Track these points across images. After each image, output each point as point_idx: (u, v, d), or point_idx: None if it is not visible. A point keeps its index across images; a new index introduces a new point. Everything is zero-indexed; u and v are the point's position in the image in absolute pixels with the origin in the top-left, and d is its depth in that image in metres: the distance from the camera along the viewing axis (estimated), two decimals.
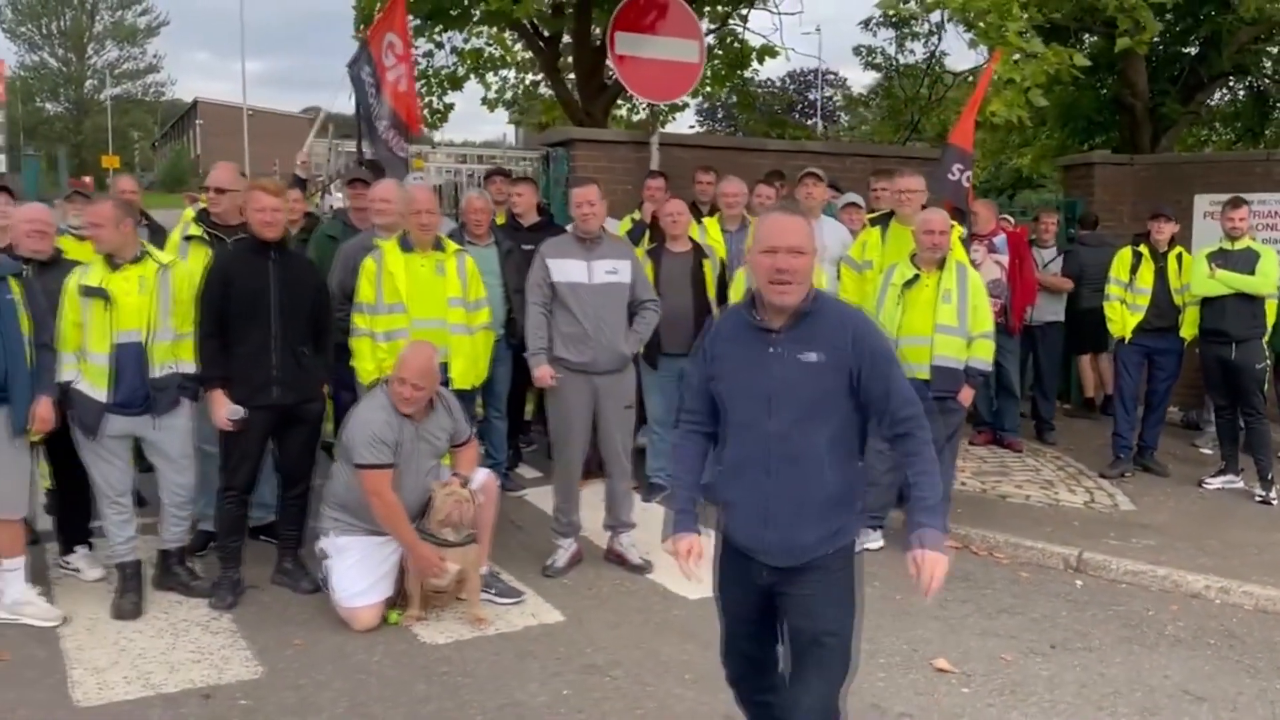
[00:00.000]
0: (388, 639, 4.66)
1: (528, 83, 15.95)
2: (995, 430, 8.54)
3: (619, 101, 13.69)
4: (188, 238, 5.47)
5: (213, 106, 70.74)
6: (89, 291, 4.67)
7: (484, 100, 15.40)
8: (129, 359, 4.73)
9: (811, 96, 34.01)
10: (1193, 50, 13.20)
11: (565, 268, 5.43)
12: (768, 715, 3.29)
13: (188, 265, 5.12)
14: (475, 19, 11.96)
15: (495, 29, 12.85)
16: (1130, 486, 7.34)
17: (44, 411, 4.58)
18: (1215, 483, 7.39)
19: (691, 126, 29.57)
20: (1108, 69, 12.60)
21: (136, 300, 4.73)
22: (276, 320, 4.93)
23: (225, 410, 4.88)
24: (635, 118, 15.55)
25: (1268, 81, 14.70)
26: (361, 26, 12.80)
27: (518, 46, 14.36)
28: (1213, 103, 15.43)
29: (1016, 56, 8.10)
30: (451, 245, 5.56)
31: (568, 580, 5.47)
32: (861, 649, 4.69)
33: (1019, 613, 5.22)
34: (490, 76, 14.62)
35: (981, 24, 7.99)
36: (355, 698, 4.11)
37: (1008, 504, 6.86)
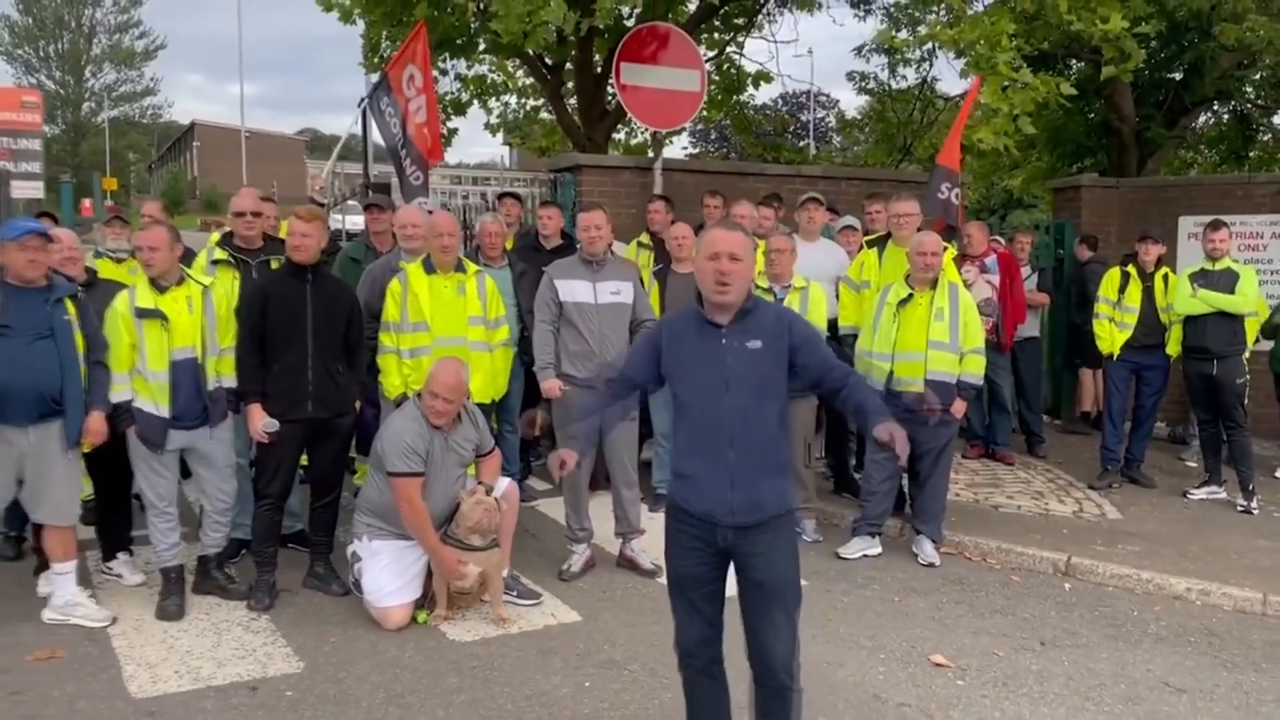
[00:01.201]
0: (418, 637, 4.95)
1: (528, 108, 16.36)
2: (987, 444, 8.85)
3: (618, 126, 14.06)
4: (215, 261, 5.77)
5: (209, 128, 71.20)
6: (145, 313, 4.97)
7: (486, 125, 15.82)
8: (185, 375, 5.05)
9: (804, 118, 34.41)
10: (1177, 76, 13.57)
11: (572, 288, 5.77)
12: (724, 699, 3.61)
13: (223, 285, 5.43)
14: (481, 48, 12.29)
15: (498, 57, 13.22)
16: (1118, 497, 7.65)
17: (97, 425, 4.88)
18: (1199, 493, 7.70)
19: (684, 148, 29.94)
20: (1095, 94, 12.98)
21: (188, 319, 5.05)
22: (312, 339, 5.23)
23: (261, 423, 5.17)
24: (634, 141, 15.93)
25: (1250, 106, 15.11)
26: (370, 55, 13.20)
27: (520, 73, 14.74)
28: (1197, 126, 15.83)
29: (1006, 85, 8.46)
30: (472, 266, 5.88)
31: (582, 584, 5.76)
32: (863, 646, 5.05)
33: (1010, 613, 5.52)
34: (492, 102, 15.02)
35: (973, 54, 8.35)
36: (392, 689, 4.39)
37: (1000, 513, 7.16)
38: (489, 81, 14.36)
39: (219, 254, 5.78)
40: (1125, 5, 9.35)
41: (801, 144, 29.30)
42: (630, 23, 10.36)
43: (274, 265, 5.66)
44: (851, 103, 56.21)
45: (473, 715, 4.19)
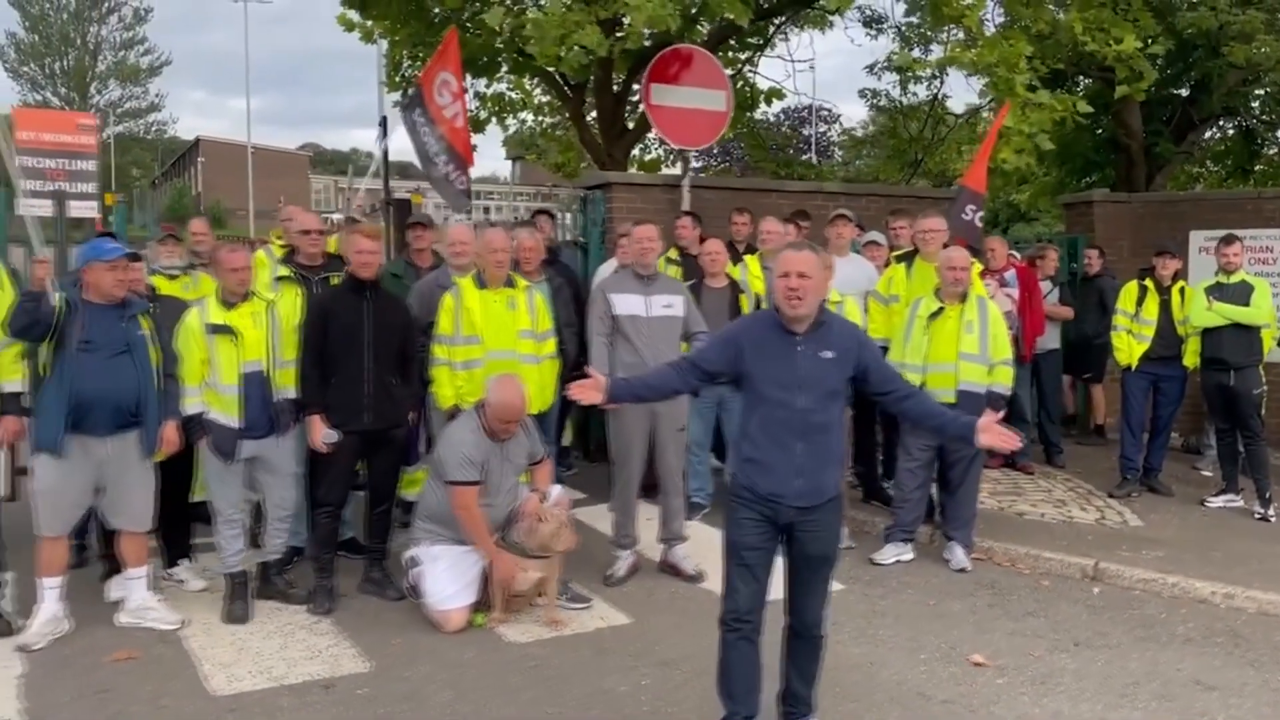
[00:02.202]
0: (477, 639, 5.15)
1: (544, 125, 16.64)
2: (1008, 454, 9.02)
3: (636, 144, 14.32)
4: (279, 278, 5.99)
5: (214, 144, 71.59)
6: (216, 329, 5.20)
7: (505, 141, 16.13)
8: (254, 387, 5.28)
9: (805, 132, 34.61)
10: (1184, 92, 13.83)
11: (625, 302, 5.99)
12: (758, 663, 3.95)
13: (287, 301, 5.65)
14: (504, 69, 12.52)
15: (518, 77, 13.46)
16: (1138, 505, 7.84)
17: (171, 434, 5.10)
18: (1217, 501, 7.89)
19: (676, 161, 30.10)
20: (1103, 110, 13.22)
21: (255, 334, 5.28)
22: (369, 353, 5.45)
23: (321, 434, 5.38)
24: (647, 157, 16.22)
25: (1255, 121, 15.35)
26: (393, 75, 13.45)
27: (537, 91, 15.00)
28: (1202, 141, 16.07)
29: (1023, 105, 8.71)
30: (522, 282, 6.09)
31: (628, 588, 5.97)
32: (904, 646, 5.25)
33: (1043, 616, 5.71)
34: (509, 119, 15.26)
35: (991, 76, 8.60)
36: (458, 687, 4.59)
37: (1024, 521, 7.36)
38: (506, 99, 14.61)
39: (283, 271, 6.00)
40: (1136, 25, 9.61)
41: (803, 157, 29.52)
42: (647, 43, 10.60)
43: (334, 281, 5.88)
44: (853, 116, 56.46)
45: (539, 713, 4.39)
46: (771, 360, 3.84)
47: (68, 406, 4.76)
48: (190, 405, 5.20)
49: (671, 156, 17.21)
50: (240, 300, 5.32)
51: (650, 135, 15.15)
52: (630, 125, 12.76)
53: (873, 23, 14.74)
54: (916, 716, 4.45)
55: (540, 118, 16.28)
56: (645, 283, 6.04)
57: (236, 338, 5.20)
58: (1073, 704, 4.63)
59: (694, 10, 9.81)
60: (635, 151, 15.84)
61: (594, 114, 13.26)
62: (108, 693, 4.45)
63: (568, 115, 14.89)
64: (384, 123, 11.65)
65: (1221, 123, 15.56)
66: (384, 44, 13.78)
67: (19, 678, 4.57)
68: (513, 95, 14.65)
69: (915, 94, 16.31)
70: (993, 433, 3.89)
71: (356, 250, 5.42)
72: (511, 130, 15.79)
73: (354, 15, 12.31)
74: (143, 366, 4.96)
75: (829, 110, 25.70)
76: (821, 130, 36.00)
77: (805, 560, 3.93)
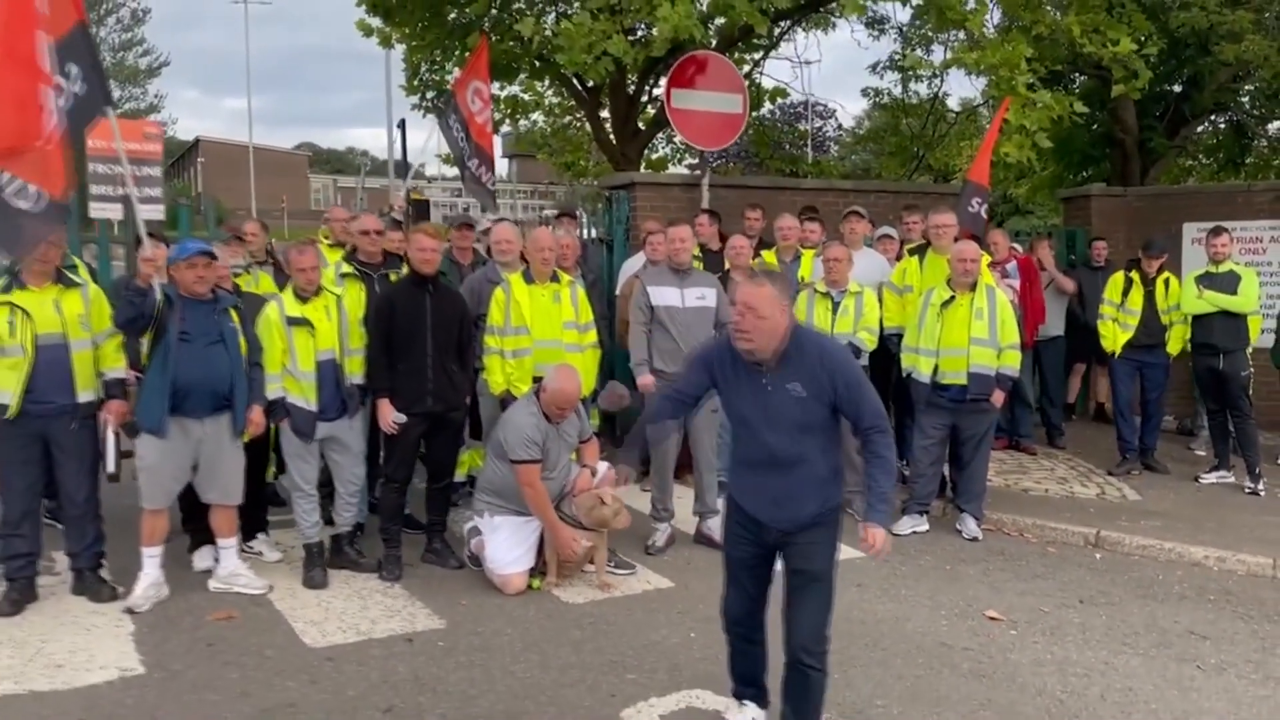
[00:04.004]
0: (536, 600, 5.66)
1: (555, 125, 17.10)
2: (1010, 436, 9.54)
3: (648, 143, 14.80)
4: (343, 275, 6.48)
5: (213, 144, 72.01)
6: (294, 321, 5.70)
7: (516, 141, 16.58)
8: (328, 373, 5.78)
9: (802, 127, 35.01)
10: (1177, 89, 14.32)
11: (662, 294, 6.51)
12: (758, 659, 4.12)
13: (351, 296, 6.14)
14: (523, 73, 12.97)
15: (532, 80, 13.92)
16: (1135, 482, 8.37)
17: (258, 417, 5.59)
18: (1210, 478, 8.41)
19: (690, 165, 30.53)
20: (1099, 107, 13.71)
21: (328, 325, 5.77)
22: (432, 342, 5.94)
23: (391, 416, 5.88)
24: (654, 155, 16.71)
25: (1245, 116, 15.85)
26: (411, 79, 13.92)
27: (549, 93, 15.46)
28: (1195, 135, 16.56)
29: (1024, 104, 9.21)
30: (565, 276, 6.58)
31: (667, 557, 6.48)
32: (925, 604, 5.75)
33: (1050, 578, 6.23)
34: (521, 121, 15.73)
35: (994, 76, 9.10)
36: (526, 639, 5.09)
37: (1029, 496, 7.88)
38: (518, 101, 15.07)
39: (346, 268, 6.50)
40: (1130, 26, 10.11)
41: (800, 151, 29.95)
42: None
43: (393, 278, 6.38)
44: (849, 111, 56.83)
45: (601, 660, 4.89)
46: (740, 396, 3.74)
47: (169, 391, 5.24)
48: (272, 391, 5.68)
49: (679, 155, 17.76)
50: (312, 295, 5.80)
51: (659, 135, 15.65)
52: (641, 125, 13.24)
53: (875, 24, 15.22)
54: (941, 661, 4.95)
55: (551, 118, 16.74)
56: (680, 276, 6.55)
57: (312, 329, 5.70)
58: (1080, 651, 5.14)
59: (714, 18, 10.25)
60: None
61: (605, 114, 13.75)
62: (214, 645, 4.94)
63: (580, 116, 15.37)
64: (403, 124, 12.18)
65: (1213, 118, 16.05)
66: (400, 48, 14.22)
67: (131, 635, 5.07)
68: (524, 97, 15.16)
69: (916, 93, 16.81)
70: (877, 542, 3.70)
71: (419, 248, 5.91)
72: (523, 130, 16.28)
73: (375, 21, 12.74)
74: (234, 355, 5.46)
75: (824, 106, 26.11)
76: (818, 126, 36.42)
77: (792, 574, 3.84)
